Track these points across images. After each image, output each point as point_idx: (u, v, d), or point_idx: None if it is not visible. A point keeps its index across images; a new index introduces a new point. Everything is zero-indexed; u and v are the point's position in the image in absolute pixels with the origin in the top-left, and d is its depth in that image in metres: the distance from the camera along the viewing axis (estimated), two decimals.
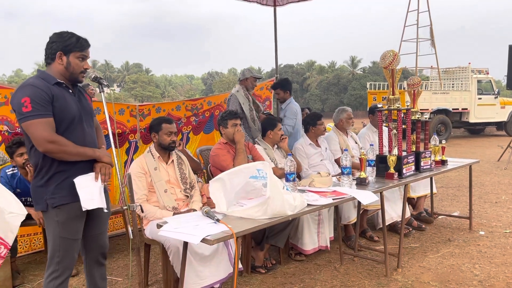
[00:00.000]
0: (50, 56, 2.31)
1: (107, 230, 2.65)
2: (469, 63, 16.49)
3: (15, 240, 3.49)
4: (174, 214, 3.11)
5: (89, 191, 2.27)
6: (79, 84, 2.46)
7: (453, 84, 16.35)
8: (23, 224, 3.44)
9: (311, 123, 4.45)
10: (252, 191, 2.78)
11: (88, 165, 2.34)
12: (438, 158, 4.37)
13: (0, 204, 2.10)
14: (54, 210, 2.27)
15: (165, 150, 3.37)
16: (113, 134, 2.48)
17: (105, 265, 2.64)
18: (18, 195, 3.41)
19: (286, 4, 6.34)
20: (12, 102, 2.21)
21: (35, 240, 4.20)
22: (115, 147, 2.46)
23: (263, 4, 6.34)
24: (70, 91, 2.35)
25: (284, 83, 5.35)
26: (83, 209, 2.24)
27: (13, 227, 2.20)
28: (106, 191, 2.50)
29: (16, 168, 3.59)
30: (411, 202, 4.98)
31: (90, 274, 2.57)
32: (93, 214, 2.41)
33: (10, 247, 2.20)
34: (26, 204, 3.43)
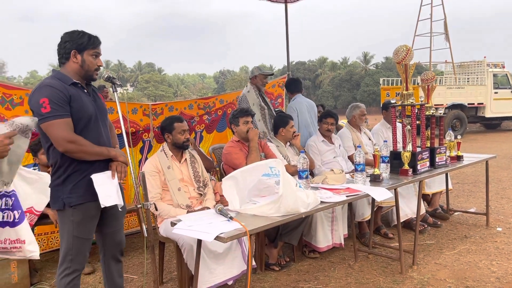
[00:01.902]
0: (64, 55, 2.33)
1: (123, 227, 2.68)
2: (485, 57, 16.21)
3: None
4: (187, 212, 3.13)
5: (106, 188, 2.31)
6: (92, 84, 2.49)
7: (468, 79, 16.10)
8: (40, 223, 3.52)
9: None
10: (265, 189, 2.78)
11: (104, 164, 2.37)
12: (453, 153, 4.31)
13: (38, 173, 2.18)
14: (70, 209, 2.30)
15: (179, 148, 3.39)
16: (127, 133, 2.50)
17: (122, 262, 2.68)
18: None
19: (297, 0, 6.30)
20: (30, 103, 2.24)
21: (52, 238, 4.27)
22: (129, 146, 2.47)
23: (273, 1, 6.32)
24: (85, 91, 2.38)
25: (287, 83, 5.37)
26: (102, 206, 2.27)
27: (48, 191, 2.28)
28: (121, 188, 2.53)
29: (37, 167, 3.65)
30: (426, 198, 4.92)
31: (108, 271, 2.61)
32: (107, 213, 2.44)
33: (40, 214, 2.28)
34: None
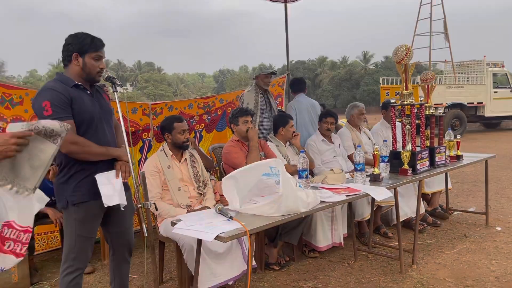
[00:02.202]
0: (66, 58, 2.36)
1: (132, 226, 2.70)
2: (484, 56, 16.21)
3: (32, 238, 3.56)
4: (187, 211, 3.13)
5: (110, 188, 2.33)
6: (97, 84, 2.50)
7: (468, 78, 16.10)
8: (40, 223, 3.52)
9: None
10: (265, 188, 2.79)
11: (108, 164, 2.40)
12: (453, 153, 4.32)
13: None
14: (73, 207, 2.33)
15: (179, 148, 3.39)
16: (127, 133, 2.50)
17: (129, 262, 2.70)
18: None
19: (296, 0, 6.30)
20: (34, 107, 2.27)
21: (52, 238, 4.27)
22: (129, 145, 2.47)
23: (273, 1, 6.31)
24: (88, 92, 2.39)
25: (291, 83, 5.45)
26: (105, 205, 2.28)
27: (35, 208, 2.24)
28: (128, 188, 2.54)
29: None
30: (426, 198, 4.92)
31: (117, 271, 2.64)
32: (113, 211, 2.45)
33: (32, 229, 2.23)
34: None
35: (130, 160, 2.47)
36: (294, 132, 4.13)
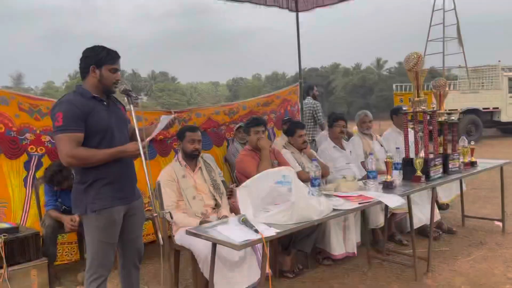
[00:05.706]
0: (84, 70, 2.45)
1: (142, 233, 2.78)
2: (499, 61, 16.01)
3: (54, 246, 3.64)
4: (202, 220, 3.17)
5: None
6: (114, 96, 2.60)
7: (483, 83, 15.91)
8: (61, 232, 3.63)
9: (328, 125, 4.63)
10: (278, 197, 2.83)
11: (121, 164, 2.44)
12: (467, 159, 4.30)
13: None
14: (93, 214, 2.39)
15: (190, 157, 3.45)
16: (143, 147, 2.47)
17: (139, 269, 2.76)
18: (60, 204, 3.70)
19: (310, 9, 6.25)
20: (50, 116, 2.41)
21: (70, 249, 4.23)
22: (145, 158, 2.44)
23: (283, 8, 6.25)
24: (104, 103, 2.48)
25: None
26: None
27: None
28: (140, 195, 2.65)
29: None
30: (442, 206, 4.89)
31: (128, 277, 2.70)
32: (128, 219, 2.54)
33: None
34: (65, 211, 3.66)
35: (146, 172, 2.48)
36: (304, 142, 4.16)
